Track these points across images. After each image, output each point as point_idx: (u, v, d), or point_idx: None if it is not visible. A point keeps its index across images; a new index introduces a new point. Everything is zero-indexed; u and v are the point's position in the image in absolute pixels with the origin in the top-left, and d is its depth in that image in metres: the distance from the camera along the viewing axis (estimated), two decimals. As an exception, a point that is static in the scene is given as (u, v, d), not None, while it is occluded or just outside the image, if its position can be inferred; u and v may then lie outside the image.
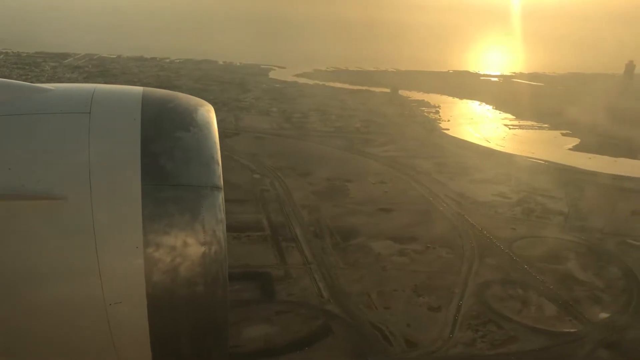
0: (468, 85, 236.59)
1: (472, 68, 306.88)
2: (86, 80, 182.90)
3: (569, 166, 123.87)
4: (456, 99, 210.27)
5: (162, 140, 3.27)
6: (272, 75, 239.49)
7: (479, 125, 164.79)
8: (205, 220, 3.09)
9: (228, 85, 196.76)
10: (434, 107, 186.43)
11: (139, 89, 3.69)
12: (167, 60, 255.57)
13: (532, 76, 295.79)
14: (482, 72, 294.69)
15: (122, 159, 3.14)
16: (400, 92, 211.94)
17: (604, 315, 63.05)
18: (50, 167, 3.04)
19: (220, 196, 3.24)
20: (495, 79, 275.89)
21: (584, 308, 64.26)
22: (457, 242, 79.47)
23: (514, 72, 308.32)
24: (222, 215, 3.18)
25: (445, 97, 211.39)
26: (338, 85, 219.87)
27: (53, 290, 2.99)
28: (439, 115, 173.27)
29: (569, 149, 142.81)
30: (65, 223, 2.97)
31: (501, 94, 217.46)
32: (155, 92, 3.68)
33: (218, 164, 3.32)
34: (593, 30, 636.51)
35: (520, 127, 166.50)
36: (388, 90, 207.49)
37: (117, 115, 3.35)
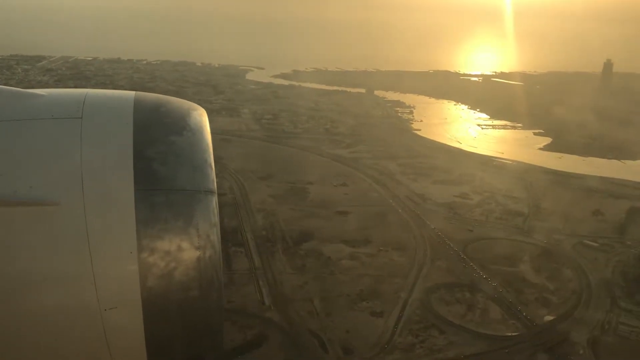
0: (446, 85, 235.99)
1: (453, 68, 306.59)
2: (57, 83, 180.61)
3: (536, 166, 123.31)
4: (432, 99, 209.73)
5: (155, 145, 3.22)
6: (249, 76, 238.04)
7: (451, 125, 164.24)
8: (199, 224, 3.06)
9: (202, 87, 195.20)
10: (409, 107, 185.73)
11: (130, 93, 3.62)
12: (144, 62, 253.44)
13: (512, 75, 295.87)
14: (462, 72, 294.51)
15: (115, 163, 3.10)
16: (377, 92, 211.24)
17: (549, 318, 62.22)
18: (42, 173, 3.00)
19: (214, 200, 3.19)
20: (475, 79, 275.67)
21: (530, 311, 63.39)
22: (411, 245, 78.47)
23: (495, 72, 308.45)
24: (216, 219, 3.15)
25: (421, 97, 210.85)
26: (314, 86, 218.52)
27: (47, 296, 2.94)
28: (413, 116, 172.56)
29: (539, 149, 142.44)
30: (59, 229, 2.92)
31: (478, 93, 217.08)
32: (147, 97, 3.62)
33: (211, 167, 3.29)
34: (579, 29, 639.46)
35: (493, 127, 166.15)
36: (364, 90, 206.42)
37: (109, 120, 3.29)
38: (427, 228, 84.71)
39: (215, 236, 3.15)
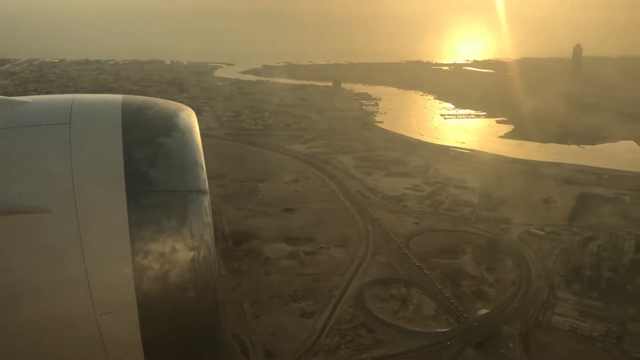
0: (416, 76, 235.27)
1: (426, 58, 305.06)
2: (17, 87, 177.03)
3: (493, 155, 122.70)
4: (401, 90, 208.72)
5: (145, 147, 3.22)
6: (217, 73, 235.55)
7: (415, 116, 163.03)
8: (193, 225, 3.08)
9: (166, 86, 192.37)
10: (375, 99, 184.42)
11: (118, 97, 3.59)
12: (111, 63, 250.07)
13: (485, 63, 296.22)
14: (434, 62, 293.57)
15: (105, 168, 3.10)
16: (345, 85, 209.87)
17: (483, 311, 61.34)
18: (32, 180, 2.99)
19: (206, 200, 3.22)
20: (446, 68, 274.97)
21: (465, 305, 62.47)
22: (354, 241, 77.32)
23: (468, 60, 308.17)
24: (209, 219, 3.19)
25: (390, 89, 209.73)
26: (283, 81, 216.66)
27: (42, 304, 2.92)
28: (377, 108, 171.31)
29: (500, 137, 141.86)
30: (51, 236, 2.92)
31: (447, 83, 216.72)
32: (135, 99, 3.59)
33: (202, 167, 3.31)
34: (566, 14, 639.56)
35: (457, 116, 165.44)
36: (331, 84, 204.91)
37: (97, 125, 3.29)
38: (373, 222, 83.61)
39: (209, 236, 3.16)
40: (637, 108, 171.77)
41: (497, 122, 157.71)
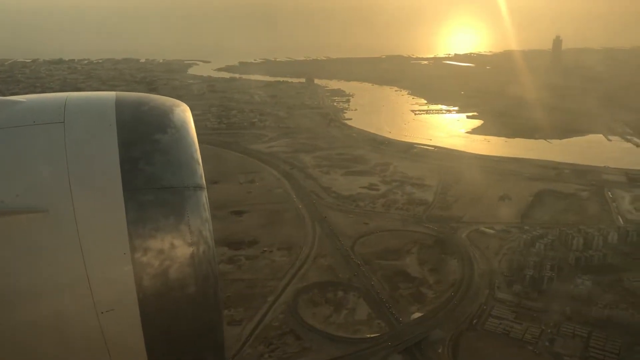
0: (394, 71, 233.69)
1: (407, 52, 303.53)
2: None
3: (457, 151, 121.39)
4: (376, 86, 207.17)
5: (140, 144, 3.22)
6: (191, 70, 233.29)
7: (385, 113, 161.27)
8: (191, 220, 3.07)
9: (136, 85, 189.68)
10: (348, 95, 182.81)
11: (111, 94, 3.58)
12: (85, 62, 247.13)
13: (465, 57, 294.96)
14: (414, 56, 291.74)
15: (101, 166, 3.10)
16: (320, 81, 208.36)
17: (416, 315, 59.86)
18: (28, 181, 3.00)
19: (204, 195, 3.22)
20: (426, 63, 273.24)
21: (400, 308, 61.01)
22: (299, 243, 75.66)
23: (448, 54, 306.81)
24: (207, 215, 3.17)
25: (365, 85, 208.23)
26: (257, 77, 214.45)
27: (43, 304, 2.95)
28: (348, 105, 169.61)
29: (467, 132, 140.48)
30: (49, 236, 2.93)
31: (423, 78, 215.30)
32: (129, 96, 3.59)
33: (198, 163, 3.31)
34: (544, 5, 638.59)
35: (428, 112, 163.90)
36: (304, 80, 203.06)
37: (91, 123, 3.29)
38: (321, 223, 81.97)
39: (207, 231, 3.11)
40: (612, 100, 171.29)
41: (468, 117, 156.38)
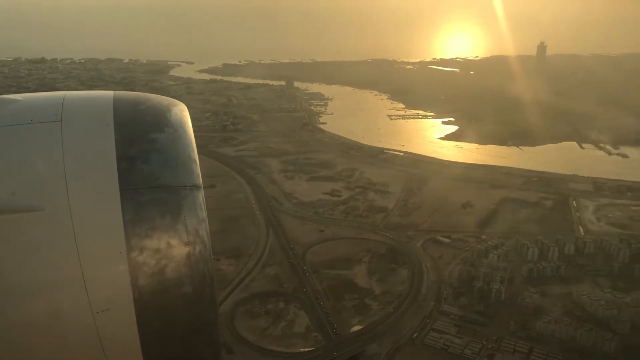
0: (377, 75, 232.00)
1: (393, 56, 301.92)
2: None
3: (427, 157, 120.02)
4: (357, 90, 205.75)
5: (137, 143, 3.22)
6: (173, 72, 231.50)
7: (361, 117, 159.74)
8: (187, 220, 3.08)
9: (114, 86, 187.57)
10: (326, 99, 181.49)
11: (109, 93, 3.54)
12: (68, 61, 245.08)
13: (451, 62, 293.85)
14: (400, 60, 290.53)
15: (98, 165, 3.09)
16: (301, 84, 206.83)
17: (356, 328, 58.36)
18: (24, 179, 3.00)
19: (201, 195, 3.22)
20: (410, 67, 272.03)
21: (340, 320, 59.51)
22: (248, 251, 74.12)
23: (435, 59, 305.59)
24: (203, 215, 3.19)
25: (345, 88, 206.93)
26: (239, 79, 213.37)
27: (39, 302, 2.94)
28: (325, 109, 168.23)
29: (440, 138, 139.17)
30: (45, 234, 2.92)
31: (405, 82, 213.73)
32: (126, 95, 3.59)
33: (196, 162, 3.34)
34: (541, 10, 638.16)
35: (404, 117, 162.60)
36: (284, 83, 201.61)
37: (89, 122, 3.28)
38: (276, 230, 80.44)
39: (204, 231, 3.12)
40: (591, 107, 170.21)
41: (443, 122, 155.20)
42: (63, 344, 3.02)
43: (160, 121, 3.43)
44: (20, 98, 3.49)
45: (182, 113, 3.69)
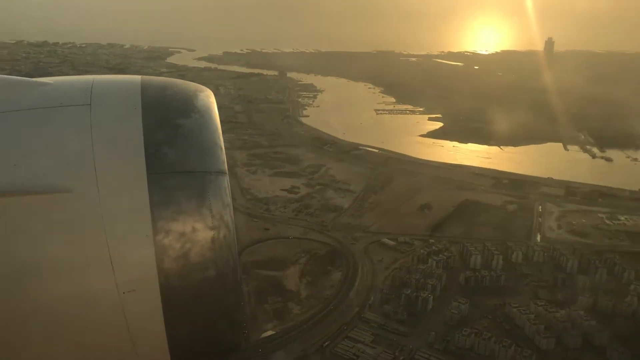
0: (377, 67, 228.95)
1: (399, 48, 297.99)
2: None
3: (400, 154, 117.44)
4: (351, 82, 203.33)
5: (164, 128, 3.28)
6: (171, 59, 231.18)
7: (347, 111, 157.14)
8: (212, 205, 3.12)
9: (106, 72, 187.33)
10: (317, 91, 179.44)
11: (137, 77, 3.59)
12: (69, 45, 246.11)
13: (458, 55, 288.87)
14: (405, 52, 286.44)
15: (126, 148, 3.14)
16: (297, 75, 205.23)
17: (268, 334, 56.81)
18: (54, 161, 3.07)
19: (226, 180, 3.28)
20: (414, 59, 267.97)
21: (255, 325, 57.85)
22: (185, 247, 72.73)
23: (442, 52, 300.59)
24: (228, 200, 3.23)
25: (340, 80, 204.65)
26: (233, 68, 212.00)
27: (66, 281, 3.03)
28: (313, 101, 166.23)
29: (421, 135, 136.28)
30: (74, 216, 2.99)
31: (402, 75, 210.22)
32: (154, 80, 3.65)
33: (221, 148, 3.37)
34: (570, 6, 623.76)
35: (391, 112, 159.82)
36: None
37: (117, 106, 3.36)
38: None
39: (228, 216, 3.13)
40: (589, 107, 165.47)
41: (430, 118, 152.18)
42: (90, 321, 3.07)
43: (187, 106, 3.39)
44: (51, 81, 3.53)
45: (209, 99, 3.61)
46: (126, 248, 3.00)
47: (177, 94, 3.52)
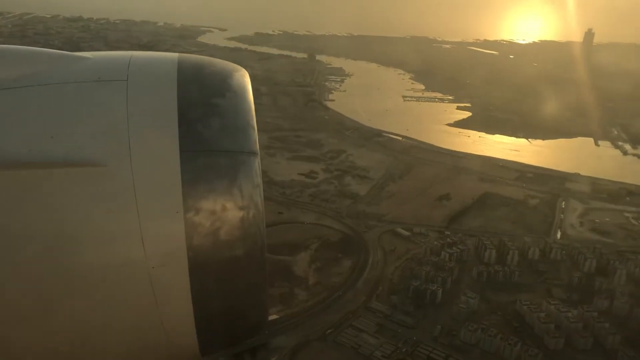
0: (409, 53, 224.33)
1: (433, 34, 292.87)
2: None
3: (424, 143, 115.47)
4: (381, 67, 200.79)
5: (199, 107, 3.22)
6: (201, 38, 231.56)
7: (374, 96, 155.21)
8: (243, 185, 3.08)
9: (137, 48, 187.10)
10: (345, 75, 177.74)
11: (174, 55, 3.52)
12: (103, 21, 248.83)
13: (494, 44, 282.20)
14: (439, 39, 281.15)
15: (160, 126, 3.11)
16: (327, 58, 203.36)
17: (272, 317, 56.53)
18: (90, 135, 3.06)
19: (257, 161, 3.24)
20: (448, 46, 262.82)
21: (260, 308, 57.78)
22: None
23: (478, 39, 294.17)
24: (259, 180, 3.19)
25: (371, 65, 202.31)
26: (262, 49, 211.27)
27: (97, 252, 3.05)
28: (340, 85, 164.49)
29: (448, 124, 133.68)
30: (107, 189, 3.00)
31: (435, 62, 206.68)
32: (190, 58, 3.56)
33: (254, 129, 3.34)
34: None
35: (419, 99, 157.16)
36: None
37: (153, 83, 3.32)
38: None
39: (258, 197, 3.07)
40: (626, 102, 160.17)
41: (458, 107, 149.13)
42: (118, 293, 3.07)
43: (222, 86, 3.32)
44: (90, 56, 3.47)
45: (244, 79, 3.50)
46: (157, 223, 2.95)
47: (214, 73, 3.44)
